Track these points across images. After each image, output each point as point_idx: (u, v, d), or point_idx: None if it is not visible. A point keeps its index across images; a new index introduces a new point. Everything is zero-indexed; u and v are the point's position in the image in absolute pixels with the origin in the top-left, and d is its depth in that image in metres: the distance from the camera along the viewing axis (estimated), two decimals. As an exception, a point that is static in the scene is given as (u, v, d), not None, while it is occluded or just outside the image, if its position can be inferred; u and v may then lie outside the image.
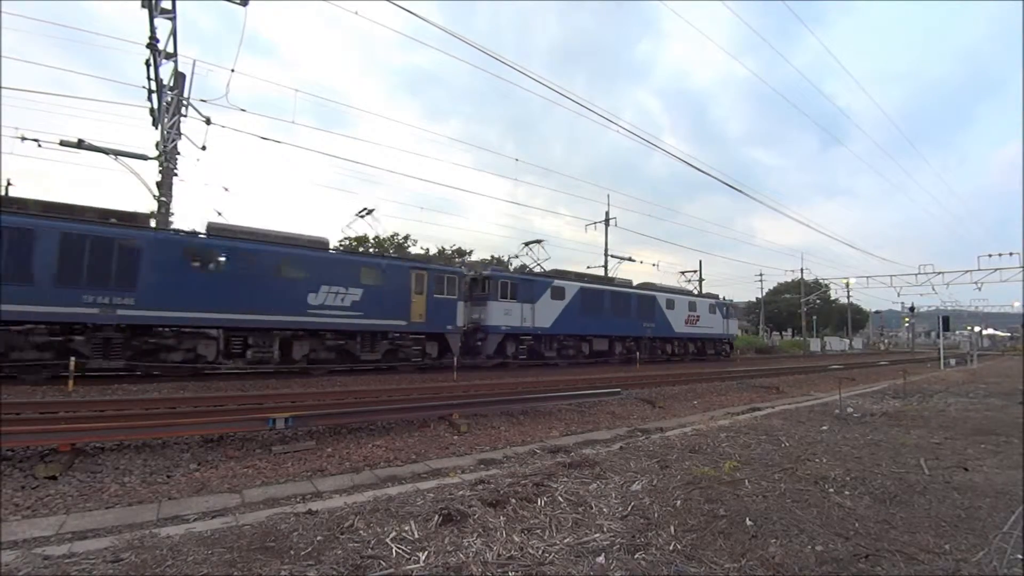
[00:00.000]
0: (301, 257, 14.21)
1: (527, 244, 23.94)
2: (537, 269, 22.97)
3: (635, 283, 26.18)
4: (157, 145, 15.66)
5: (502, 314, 18.62)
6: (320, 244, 15.52)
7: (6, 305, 10.29)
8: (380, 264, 15.96)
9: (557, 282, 20.96)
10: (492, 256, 38.93)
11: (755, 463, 5.05)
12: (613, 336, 23.14)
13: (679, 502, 3.72)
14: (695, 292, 32.29)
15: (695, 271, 38.29)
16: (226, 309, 12.81)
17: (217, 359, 12.94)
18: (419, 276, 16.41)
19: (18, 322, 10.60)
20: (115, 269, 11.49)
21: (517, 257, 39.03)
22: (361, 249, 31.29)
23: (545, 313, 20.11)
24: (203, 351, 12.75)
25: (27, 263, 10.57)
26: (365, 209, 19.15)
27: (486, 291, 18.59)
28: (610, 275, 30.26)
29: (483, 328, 18.54)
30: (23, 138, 14.43)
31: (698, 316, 27.98)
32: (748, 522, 3.33)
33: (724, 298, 31.52)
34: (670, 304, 26.22)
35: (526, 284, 19.72)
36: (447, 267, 18.29)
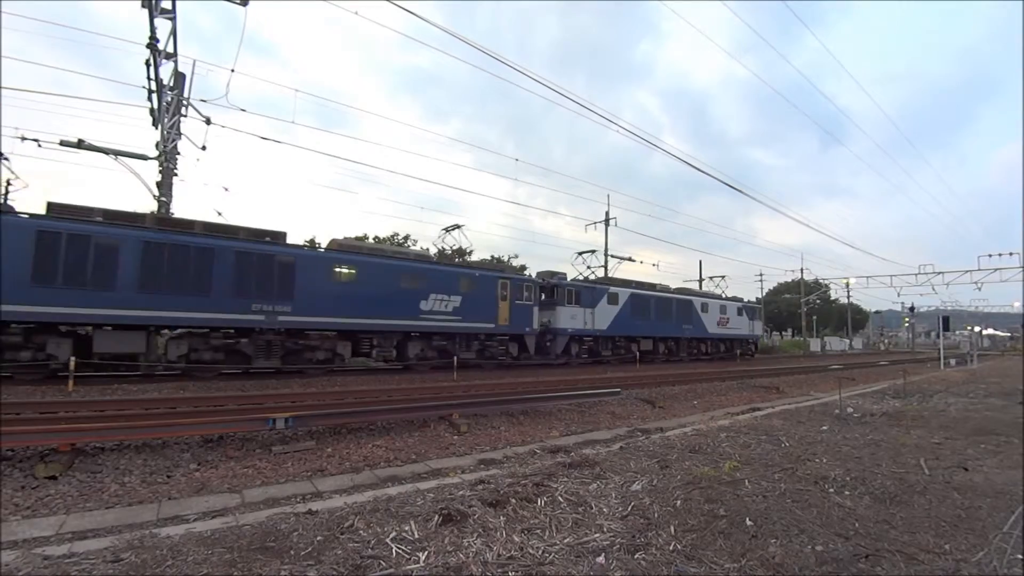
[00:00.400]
0: (415, 269, 16.55)
1: (580, 254, 26.05)
2: (591, 277, 25.41)
3: (670, 288, 28.26)
4: (157, 145, 15.66)
5: (568, 318, 20.77)
6: (427, 258, 18.37)
7: (194, 312, 12.38)
8: (475, 275, 18.12)
9: (612, 289, 23.21)
10: (492, 256, 38.92)
11: (755, 463, 5.05)
12: (657, 337, 25.56)
13: (679, 502, 3.72)
14: (724, 295, 34.30)
15: (723, 276, 39.31)
16: (358, 315, 15.01)
17: (350, 358, 15.41)
18: (503, 284, 18.66)
19: (202, 327, 12.73)
20: (276, 282, 13.57)
21: (517, 257, 39.08)
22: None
23: (603, 317, 22.23)
24: (341, 351, 14.97)
25: (208, 277, 12.60)
26: (454, 225, 21.27)
27: (555, 297, 20.66)
28: (612, 275, 30.70)
29: (552, 330, 20.60)
30: (23, 138, 14.46)
31: (728, 318, 30.39)
32: (748, 522, 3.33)
33: (749, 301, 33.74)
34: (704, 307, 28.58)
35: (588, 291, 21.88)
36: (526, 277, 20.92)
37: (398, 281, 15.82)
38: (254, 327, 13.21)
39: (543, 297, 20.72)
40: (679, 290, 28.91)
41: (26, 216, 11.10)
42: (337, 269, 14.77)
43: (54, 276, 10.85)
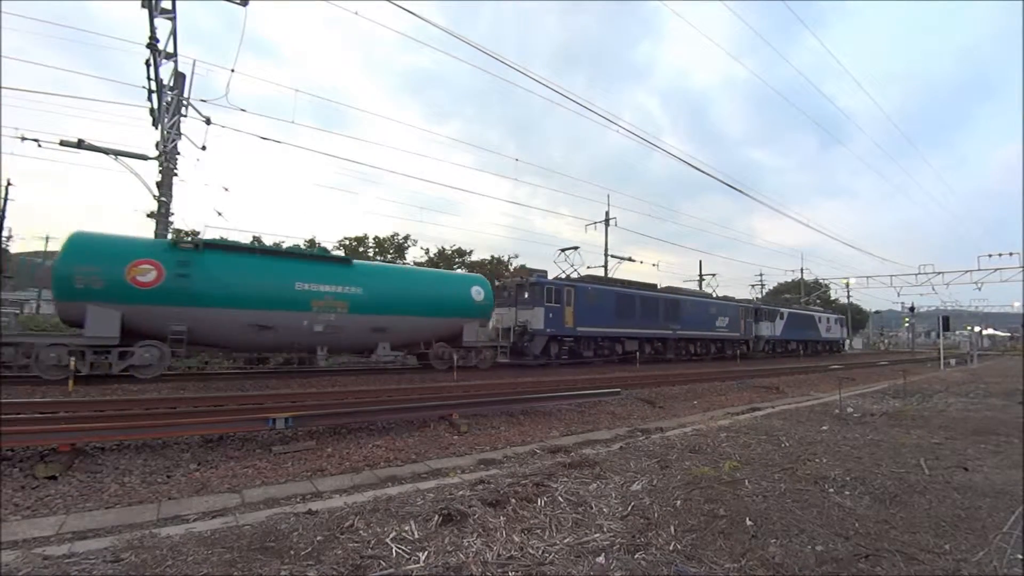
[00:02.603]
0: (713, 303, 29.07)
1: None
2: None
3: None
4: (157, 145, 15.64)
5: (765, 328, 33.54)
6: (706, 295, 31.17)
7: (651, 330, 24.10)
8: (731, 304, 30.72)
9: (782, 309, 36.82)
10: (492, 256, 38.93)
11: (755, 463, 5.05)
12: (797, 340, 37.95)
13: (679, 502, 3.72)
14: (824, 309, 47.23)
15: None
16: (698, 329, 27.09)
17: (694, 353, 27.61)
18: (740, 309, 31.18)
19: (640, 338, 23.74)
20: (675, 313, 25.26)
21: (517, 256, 39.14)
22: (360, 249, 31.41)
23: (778, 327, 35.08)
24: (689, 349, 26.89)
25: (655, 313, 24.29)
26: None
27: (758, 315, 33.18)
28: (612, 275, 31.05)
29: (758, 336, 33.13)
30: (23, 138, 14.43)
31: (830, 326, 42.70)
32: (748, 522, 3.33)
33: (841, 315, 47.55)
34: (819, 320, 41.15)
35: (770, 311, 34.85)
36: (749, 304, 33.50)
37: (709, 310, 28.25)
38: (668, 337, 25.06)
39: (756, 314, 32.75)
40: (803, 308, 42.58)
41: (608, 287, 22.95)
42: (690, 305, 26.43)
43: (618, 315, 22.26)
